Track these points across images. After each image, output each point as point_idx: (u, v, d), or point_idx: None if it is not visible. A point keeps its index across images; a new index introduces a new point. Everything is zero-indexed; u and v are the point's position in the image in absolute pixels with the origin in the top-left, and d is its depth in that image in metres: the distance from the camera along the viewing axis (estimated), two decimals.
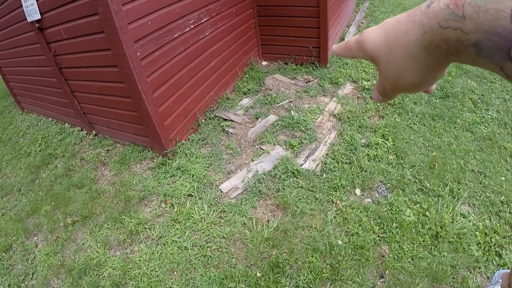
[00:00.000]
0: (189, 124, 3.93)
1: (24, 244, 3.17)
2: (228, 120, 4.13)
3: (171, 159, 3.57)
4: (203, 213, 2.97)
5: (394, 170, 3.17)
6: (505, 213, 2.73)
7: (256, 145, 3.69)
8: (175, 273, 2.56)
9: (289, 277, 2.41)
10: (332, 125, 3.88)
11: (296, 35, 4.95)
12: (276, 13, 4.89)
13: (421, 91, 0.45)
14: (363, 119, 3.87)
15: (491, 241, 2.51)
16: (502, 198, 2.86)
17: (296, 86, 4.72)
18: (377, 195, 2.99)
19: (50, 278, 2.78)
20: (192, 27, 3.69)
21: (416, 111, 3.96)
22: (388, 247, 2.53)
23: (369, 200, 2.95)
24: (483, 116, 3.85)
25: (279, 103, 4.35)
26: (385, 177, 3.12)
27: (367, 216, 2.76)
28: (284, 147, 3.59)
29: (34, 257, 3.01)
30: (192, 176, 3.35)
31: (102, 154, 4.01)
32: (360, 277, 2.34)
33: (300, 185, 3.09)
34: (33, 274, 2.87)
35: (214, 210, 2.99)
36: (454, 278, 2.30)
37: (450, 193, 2.91)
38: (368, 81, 4.61)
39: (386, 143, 3.48)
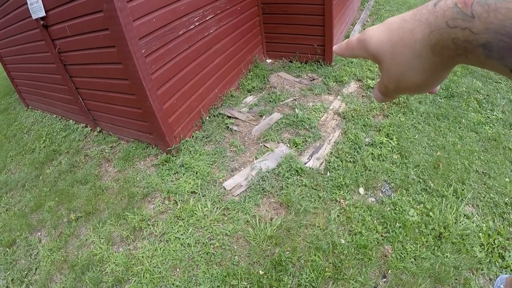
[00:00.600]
0: (193, 121, 3.94)
1: (27, 240, 3.19)
2: (232, 117, 4.13)
3: (175, 156, 3.58)
4: (207, 210, 2.98)
5: (398, 170, 3.16)
6: (509, 214, 2.72)
7: (260, 143, 3.69)
8: (178, 269, 2.57)
9: (291, 275, 2.41)
10: (336, 123, 3.87)
11: (301, 33, 4.94)
12: (281, 11, 4.88)
13: (425, 92, 0.44)
14: (367, 118, 3.86)
15: (494, 242, 2.49)
16: (506, 199, 2.84)
17: (301, 84, 4.71)
18: (380, 194, 2.98)
19: (53, 274, 2.80)
20: (197, 24, 3.69)
21: (421, 111, 3.94)
22: (391, 247, 2.52)
23: (373, 199, 2.94)
24: (488, 117, 3.82)
25: (283, 101, 4.35)
26: (389, 176, 3.11)
27: (371, 215, 2.76)
28: (288, 145, 3.58)
29: (38, 253, 3.03)
30: (196, 173, 3.35)
31: (106, 150, 4.02)
32: (363, 277, 2.33)
33: (303, 184, 3.09)
34: (36, 269, 2.89)
35: (217, 208, 2.99)
36: (456, 279, 2.29)
37: (454, 194, 2.90)
38: (372, 79, 4.59)
39: (390, 142, 3.47)
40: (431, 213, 2.71)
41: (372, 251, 2.48)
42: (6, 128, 5.58)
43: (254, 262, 2.53)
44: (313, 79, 4.80)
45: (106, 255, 2.79)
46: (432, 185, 2.98)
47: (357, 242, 2.54)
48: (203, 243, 2.72)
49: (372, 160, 3.29)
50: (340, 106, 4.15)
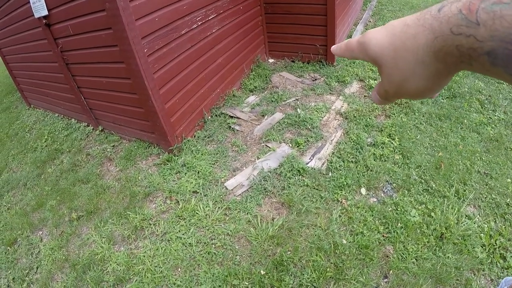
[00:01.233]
0: (195, 120, 3.94)
1: (29, 238, 3.19)
2: (234, 117, 4.13)
3: (177, 156, 3.58)
4: (208, 210, 2.98)
5: (400, 170, 3.16)
6: (511, 215, 2.71)
7: (262, 142, 3.69)
8: (179, 269, 2.57)
9: (293, 275, 2.41)
10: (338, 123, 3.87)
11: (304, 33, 4.93)
12: (284, 11, 4.88)
13: (426, 97, 0.44)
14: (369, 118, 3.85)
15: (495, 243, 2.49)
16: (508, 200, 2.83)
17: (303, 84, 4.70)
18: (382, 194, 2.98)
19: (54, 273, 2.81)
20: (199, 24, 3.69)
21: (423, 111, 3.93)
22: (392, 247, 2.52)
23: (375, 199, 2.94)
24: (490, 117, 3.82)
25: (285, 101, 4.35)
26: (391, 176, 3.11)
27: (372, 215, 2.75)
28: (290, 145, 3.58)
29: (39, 251, 3.04)
30: (198, 172, 3.35)
31: (108, 149, 4.03)
32: (364, 277, 2.33)
33: (305, 184, 3.09)
34: (37, 268, 2.90)
35: (219, 207, 3.00)
36: (458, 280, 2.29)
37: (455, 194, 2.89)
38: (375, 80, 4.58)
39: (392, 143, 3.46)
40: (432, 214, 2.71)
41: (374, 251, 2.48)
42: (8, 127, 5.59)
43: (255, 262, 2.53)
44: (315, 79, 4.79)
45: (108, 254, 2.79)
46: (434, 185, 2.98)
47: (359, 242, 2.54)
48: (205, 243, 2.72)
49: (374, 160, 3.29)
50: (342, 106, 4.15)
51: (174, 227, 2.88)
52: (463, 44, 0.32)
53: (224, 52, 4.30)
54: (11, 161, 4.54)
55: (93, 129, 4.55)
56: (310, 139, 3.61)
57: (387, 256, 2.46)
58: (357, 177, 3.12)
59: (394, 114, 3.90)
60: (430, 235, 2.56)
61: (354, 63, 5.07)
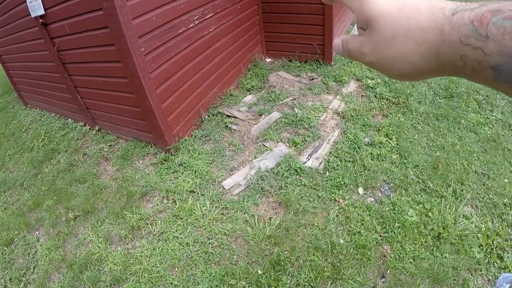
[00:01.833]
0: (192, 120, 3.93)
1: (25, 239, 3.18)
2: (231, 116, 4.13)
3: (174, 155, 3.57)
4: (205, 209, 2.97)
5: (397, 170, 3.16)
6: (508, 215, 2.72)
7: (259, 142, 3.68)
8: (176, 269, 2.56)
9: (290, 275, 2.40)
10: (335, 123, 3.87)
11: (301, 32, 4.93)
12: (281, 10, 4.87)
13: (399, 80, 0.41)
14: (367, 118, 3.85)
15: (493, 243, 2.49)
16: (505, 200, 2.84)
17: (300, 84, 4.70)
18: (380, 194, 2.98)
19: (51, 273, 2.79)
20: (196, 23, 3.67)
21: (420, 111, 3.94)
22: (390, 247, 2.52)
23: (372, 199, 2.94)
24: (487, 117, 3.82)
25: (282, 100, 4.34)
26: (388, 176, 3.11)
27: (370, 215, 2.75)
28: (287, 145, 3.58)
29: (36, 252, 3.03)
30: (195, 172, 3.34)
31: (105, 149, 4.01)
32: (361, 277, 2.33)
33: (302, 183, 3.09)
34: (34, 268, 2.88)
35: (216, 207, 2.99)
36: (455, 280, 2.29)
37: (453, 194, 2.90)
38: (372, 79, 4.58)
39: (389, 142, 3.46)
40: (430, 214, 2.71)
41: (371, 251, 2.48)
42: (4, 127, 5.57)
43: (252, 262, 2.53)
44: (313, 79, 4.79)
45: (104, 254, 2.78)
46: (431, 185, 2.98)
47: (356, 242, 2.54)
48: (202, 243, 2.71)
49: (371, 160, 3.29)
50: (339, 106, 4.15)
51: (171, 226, 2.87)
52: (468, 55, 0.32)
53: (221, 52, 4.28)
54: (8, 161, 4.52)
55: (90, 128, 4.53)
56: (308, 138, 3.61)
57: (385, 256, 2.46)
58: (355, 176, 3.12)
59: (392, 114, 3.90)
60: (427, 235, 2.56)
61: (351, 62, 5.07)
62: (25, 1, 3.54)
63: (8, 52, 5.14)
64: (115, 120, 4.01)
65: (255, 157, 3.47)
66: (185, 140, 3.71)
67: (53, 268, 2.82)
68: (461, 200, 2.84)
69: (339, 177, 3.09)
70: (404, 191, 2.95)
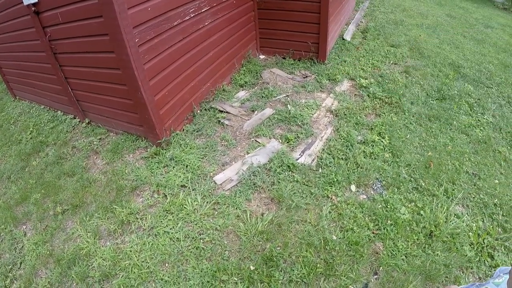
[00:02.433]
0: (184, 114, 3.88)
1: (12, 233, 3.10)
2: (224, 111, 4.09)
3: (165, 149, 3.52)
4: (196, 204, 2.93)
5: (389, 168, 3.17)
6: (498, 215, 2.75)
7: (252, 137, 3.66)
8: (167, 264, 2.53)
9: (282, 271, 2.38)
10: (328, 120, 3.86)
11: (296, 30, 4.92)
12: (277, 7, 4.85)
13: None
14: (360, 116, 3.86)
15: (483, 242, 2.52)
16: (496, 200, 2.88)
17: (294, 81, 4.69)
18: (372, 192, 2.98)
19: (38, 268, 2.73)
20: (192, 15, 3.63)
21: (413, 111, 3.96)
22: (382, 244, 2.52)
23: (364, 196, 2.94)
24: (478, 120, 3.87)
25: (276, 97, 4.32)
26: (381, 174, 3.11)
27: (362, 212, 2.75)
28: (280, 141, 3.56)
29: (23, 246, 2.95)
30: (186, 166, 3.30)
31: (95, 142, 3.94)
32: (354, 273, 2.33)
33: (295, 179, 3.07)
34: (21, 263, 2.81)
35: (207, 202, 2.95)
36: (447, 277, 2.30)
37: (444, 193, 2.92)
38: (365, 79, 4.60)
39: (382, 141, 3.47)
40: (422, 212, 2.73)
41: (364, 247, 2.48)
42: None
43: (244, 258, 2.50)
44: (306, 76, 4.78)
45: (93, 249, 2.72)
46: (423, 184, 3.00)
47: (349, 238, 2.54)
48: (193, 238, 2.68)
49: (364, 157, 3.29)
50: (332, 104, 4.15)
51: (161, 221, 2.83)
52: None
53: (215, 46, 4.25)
54: None
55: (79, 121, 4.45)
56: (300, 135, 3.60)
57: (377, 253, 2.46)
58: (347, 174, 3.11)
59: (384, 113, 3.91)
60: (419, 233, 2.57)
61: (345, 61, 5.09)
62: None
63: None
64: (106, 113, 3.94)
65: (248, 153, 3.45)
66: (176, 134, 3.67)
67: (40, 263, 2.75)
68: (452, 199, 2.86)
69: (331, 174, 3.09)
70: (396, 189, 2.96)
